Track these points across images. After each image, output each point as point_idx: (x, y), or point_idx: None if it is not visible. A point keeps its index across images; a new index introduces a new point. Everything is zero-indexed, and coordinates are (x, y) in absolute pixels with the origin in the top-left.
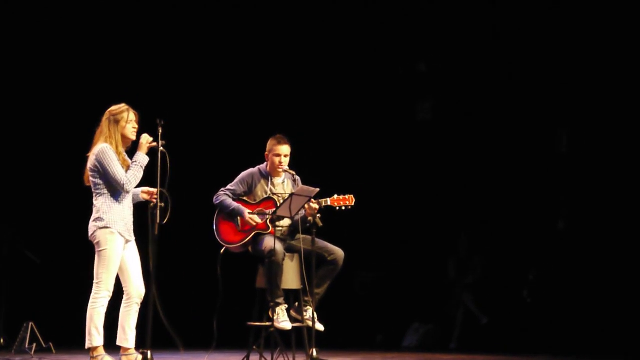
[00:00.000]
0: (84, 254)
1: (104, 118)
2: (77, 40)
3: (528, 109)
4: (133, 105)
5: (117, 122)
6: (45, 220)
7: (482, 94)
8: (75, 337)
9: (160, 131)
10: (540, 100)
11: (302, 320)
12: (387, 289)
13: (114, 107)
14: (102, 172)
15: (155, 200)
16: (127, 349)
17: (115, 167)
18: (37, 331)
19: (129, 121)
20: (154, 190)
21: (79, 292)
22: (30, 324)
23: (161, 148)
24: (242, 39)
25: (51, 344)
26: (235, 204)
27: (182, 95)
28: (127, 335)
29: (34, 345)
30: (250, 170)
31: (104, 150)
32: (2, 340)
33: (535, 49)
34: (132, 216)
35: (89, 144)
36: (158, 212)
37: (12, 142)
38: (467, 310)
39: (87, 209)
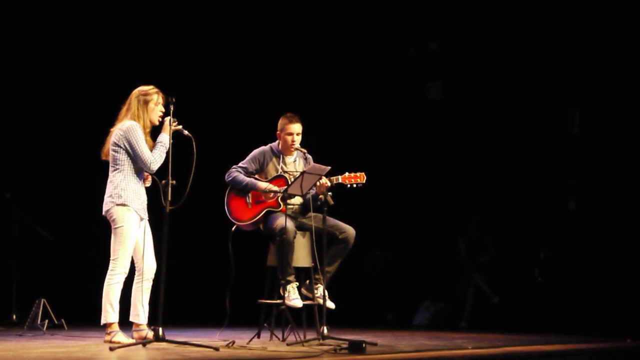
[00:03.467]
0: (96, 230)
1: (133, 97)
2: (90, 18)
3: (540, 89)
4: (143, 82)
5: (146, 103)
6: (57, 197)
7: (494, 73)
8: (87, 314)
9: (172, 109)
10: (553, 80)
11: (313, 298)
12: (398, 268)
13: (144, 88)
14: (129, 150)
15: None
16: (139, 325)
17: (144, 147)
18: (49, 308)
19: (157, 104)
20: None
21: (91, 268)
22: (42, 300)
23: (186, 132)
24: (255, 17)
25: (63, 321)
26: (247, 179)
27: (195, 73)
28: (138, 311)
29: (46, 321)
30: (262, 148)
31: (134, 128)
32: (14, 317)
33: (548, 28)
34: (146, 195)
35: (99, 119)
36: (170, 189)
37: (23, 119)
38: (478, 290)
39: (98, 186)
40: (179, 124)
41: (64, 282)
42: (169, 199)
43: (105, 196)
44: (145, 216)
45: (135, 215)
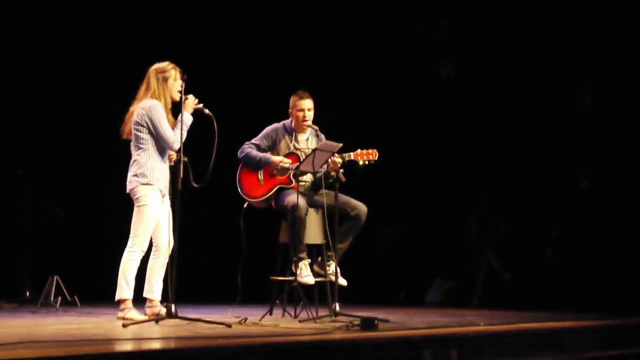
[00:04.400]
0: (109, 207)
1: (151, 75)
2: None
3: (552, 67)
4: (159, 59)
5: (165, 79)
6: (69, 175)
7: (506, 51)
8: (99, 291)
9: (184, 86)
10: (565, 57)
11: (325, 275)
12: (410, 245)
13: (159, 65)
14: (151, 128)
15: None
16: (152, 301)
17: (165, 125)
18: (62, 285)
19: (176, 79)
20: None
21: (103, 245)
22: (56, 277)
23: (207, 111)
24: None
25: (76, 297)
26: (261, 154)
27: (209, 50)
28: (153, 287)
29: (59, 298)
30: (275, 125)
31: (156, 107)
32: (28, 294)
33: (561, 4)
34: (169, 173)
35: (111, 96)
36: (182, 166)
37: (34, 97)
38: (490, 267)
39: (111, 163)
40: (200, 103)
41: (77, 259)
42: (181, 176)
43: (130, 175)
44: (167, 194)
45: (159, 195)
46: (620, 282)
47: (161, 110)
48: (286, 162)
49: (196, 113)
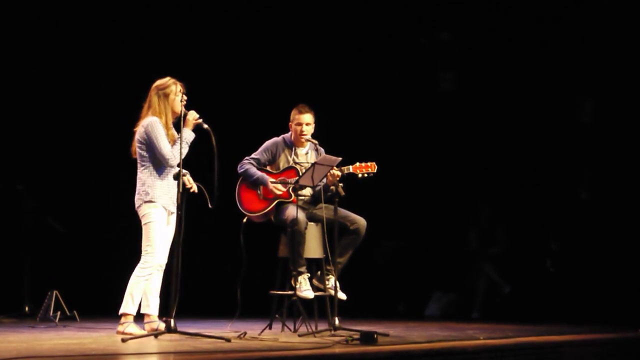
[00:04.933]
0: (109, 222)
1: (152, 92)
2: (111, 14)
3: (552, 78)
4: (157, 75)
5: (166, 96)
6: (69, 189)
7: (505, 62)
8: (99, 305)
9: (184, 102)
10: (565, 69)
11: (325, 289)
12: (409, 258)
13: (160, 82)
14: (149, 145)
15: (188, 185)
16: (150, 316)
17: (162, 142)
18: (61, 299)
19: (177, 93)
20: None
21: (104, 260)
22: (55, 292)
23: (206, 126)
24: (266, 7)
25: (75, 312)
26: (259, 173)
27: (209, 64)
28: (149, 302)
29: (59, 313)
30: (275, 139)
31: (153, 124)
32: (27, 308)
33: (561, 16)
34: (176, 187)
35: (114, 112)
36: (180, 180)
37: (35, 111)
38: (489, 280)
39: (111, 177)
40: (200, 118)
41: (76, 274)
42: (181, 190)
43: (135, 193)
44: (174, 210)
45: (162, 211)
46: (621, 295)
47: (159, 127)
48: (278, 191)
49: (197, 129)
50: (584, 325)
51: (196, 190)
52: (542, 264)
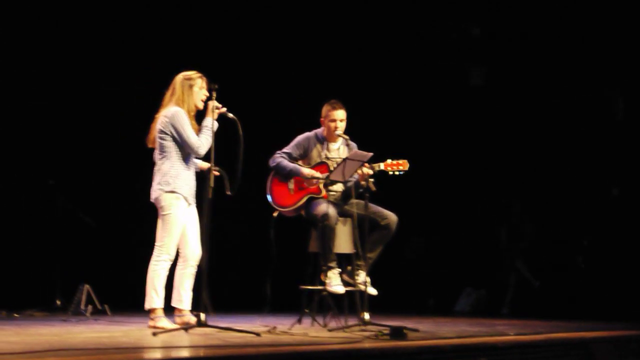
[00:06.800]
0: (139, 216)
1: (178, 81)
2: (134, 5)
3: (584, 75)
4: (187, 69)
5: (190, 87)
6: (100, 184)
7: (537, 59)
8: (130, 299)
9: (215, 96)
10: (597, 66)
11: (355, 284)
12: (440, 254)
13: (188, 72)
14: (175, 136)
15: (215, 173)
16: (181, 310)
17: (189, 131)
18: (92, 293)
19: (201, 88)
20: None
21: (134, 254)
22: (86, 286)
23: (231, 115)
24: (298, 3)
25: (106, 306)
26: (292, 165)
27: (242, 59)
28: (181, 296)
29: (90, 307)
30: (307, 134)
31: (179, 114)
32: (58, 302)
33: (592, 13)
34: (195, 181)
35: (141, 105)
36: (212, 176)
37: (66, 105)
38: (519, 276)
39: (142, 171)
40: (223, 107)
41: (107, 268)
42: (212, 185)
43: (154, 183)
44: (193, 202)
45: (183, 202)
46: None
47: (184, 117)
48: (316, 175)
49: (221, 118)
50: (614, 322)
51: (218, 174)
52: (573, 260)
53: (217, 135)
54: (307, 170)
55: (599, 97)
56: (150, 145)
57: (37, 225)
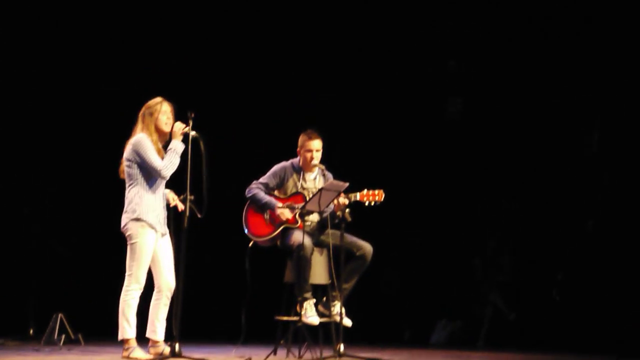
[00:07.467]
0: (114, 245)
1: (140, 113)
2: (110, 35)
3: (559, 108)
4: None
5: (151, 114)
6: (75, 213)
7: (512, 92)
8: (104, 329)
9: (191, 124)
10: (572, 99)
11: (330, 315)
12: (415, 286)
13: (149, 102)
14: (139, 161)
15: (179, 206)
16: (156, 341)
17: (152, 155)
18: (66, 322)
19: (163, 112)
20: (177, 197)
21: (108, 283)
22: (60, 315)
23: (193, 133)
24: (273, 32)
25: (80, 335)
26: (267, 197)
27: (215, 89)
28: (156, 327)
29: (63, 336)
30: (283, 163)
31: (141, 139)
32: (31, 331)
33: (567, 47)
34: (164, 209)
35: (118, 136)
36: (187, 205)
37: (41, 136)
38: (495, 308)
39: (116, 202)
40: (186, 126)
41: (81, 297)
42: (187, 214)
43: (123, 212)
44: (165, 230)
45: (150, 230)
46: (626, 324)
47: (147, 141)
48: (284, 217)
49: (186, 138)
50: (588, 355)
51: (182, 208)
52: (548, 293)
53: (186, 158)
54: (278, 209)
55: (573, 130)
56: (121, 176)
57: (11, 253)
